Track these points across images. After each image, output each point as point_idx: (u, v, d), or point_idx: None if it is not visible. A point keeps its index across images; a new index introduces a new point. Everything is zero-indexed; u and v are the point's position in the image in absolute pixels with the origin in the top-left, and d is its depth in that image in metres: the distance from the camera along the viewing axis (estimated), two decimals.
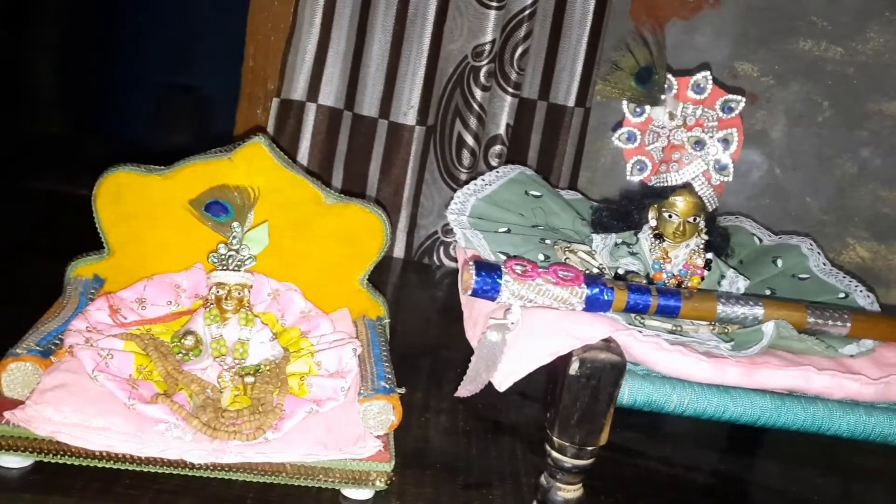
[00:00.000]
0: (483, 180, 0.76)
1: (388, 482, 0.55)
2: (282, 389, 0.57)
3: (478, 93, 1.06)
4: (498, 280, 0.53)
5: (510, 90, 1.06)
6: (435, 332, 0.96)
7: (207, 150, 0.69)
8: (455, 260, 1.14)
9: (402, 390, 0.59)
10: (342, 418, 0.57)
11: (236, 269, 0.61)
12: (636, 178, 0.67)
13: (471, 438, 0.69)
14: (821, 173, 1.17)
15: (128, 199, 0.67)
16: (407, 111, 1.06)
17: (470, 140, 1.08)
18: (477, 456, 0.66)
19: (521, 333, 0.52)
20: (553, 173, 1.10)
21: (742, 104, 0.65)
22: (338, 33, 1.04)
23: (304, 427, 0.55)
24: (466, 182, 1.08)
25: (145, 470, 0.52)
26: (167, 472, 0.53)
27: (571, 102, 1.08)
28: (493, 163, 1.10)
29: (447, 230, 1.12)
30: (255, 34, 1.20)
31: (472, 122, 1.07)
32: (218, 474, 0.53)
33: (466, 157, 1.08)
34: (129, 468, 0.52)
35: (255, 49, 1.19)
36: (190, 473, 0.53)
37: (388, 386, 0.59)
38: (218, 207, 0.63)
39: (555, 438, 0.53)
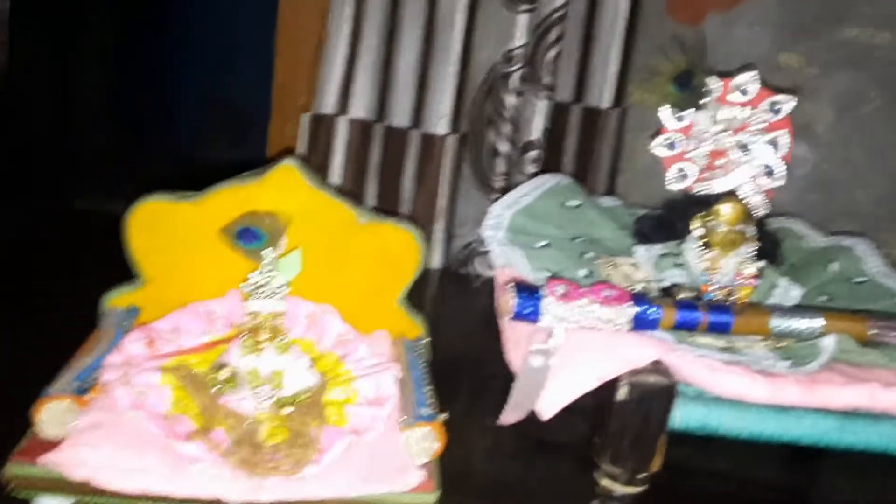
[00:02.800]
0: (519, 192, 0.74)
1: None
2: (319, 421, 0.56)
3: (510, 99, 1.04)
4: (539, 303, 0.51)
5: (543, 94, 1.04)
6: (475, 344, 0.94)
7: (244, 166, 0.68)
8: (493, 268, 1.12)
9: (445, 416, 0.57)
10: (383, 448, 0.55)
11: (270, 297, 0.59)
12: (678, 187, 0.64)
13: (515, 459, 0.67)
14: (871, 166, 1.12)
15: (160, 227, 0.66)
16: (439, 121, 1.04)
17: (504, 147, 1.05)
18: (523, 478, 0.64)
19: (565, 358, 0.50)
20: (590, 177, 1.08)
21: (791, 105, 0.62)
22: (367, 45, 1.03)
23: (344, 459, 0.53)
24: (502, 190, 1.06)
25: None
26: None
27: (607, 104, 1.05)
28: (529, 169, 1.07)
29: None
30: (283, 49, 1.19)
31: (506, 128, 1.05)
32: None
33: (501, 165, 1.06)
34: None
35: (283, 64, 1.18)
36: None
37: (429, 413, 0.57)
38: (249, 234, 0.62)
39: (604, 466, 0.51)
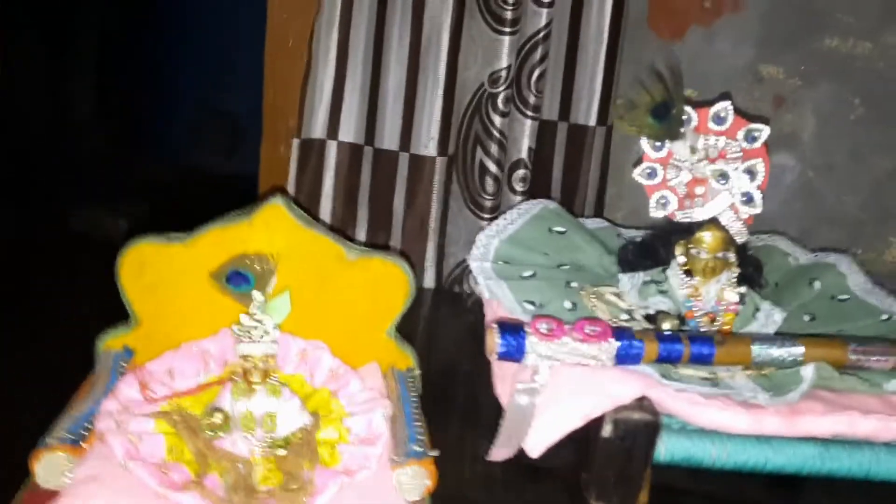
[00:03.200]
0: (505, 219, 0.75)
1: None
2: (312, 461, 0.57)
3: (497, 119, 1.04)
4: (523, 341, 0.52)
5: (529, 113, 1.05)
6: (469, 363, 0.95)
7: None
8: None
9: (436, 453, 0.58)
10: (375, 488, 0.56)
11: (260, 339, 0.60)
12: (660, 214, 0.65)
13: (508, 487, 0.67)
14: (856, 172, 1.13)
15: (151, 269, 0.67)
16: (427, 142, 1.05)
17: (492, 167, 1.06)
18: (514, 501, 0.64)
19: (550, 395, 0.51)
20: (579, 192, 1.09)
21: (765, 133, 0.63)
22: (353, 69, 1.04)
23: (337, 501, 0.54)
24: (491, 210, 1.07)
25: None
26: None
27: (593, 122, 1.06)
28: (518, 187, 1.08)
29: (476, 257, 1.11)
30: (272, 70, 1.20)
31: (494, 148, 1.06)
32: None
33: (490, 184, 1.07)
34: None
35: (273, 86, 1.19)
36: None
37: (420, 450, 0.58)
38: (238, 278, 0.62)
39: (592, 502, 0.52)
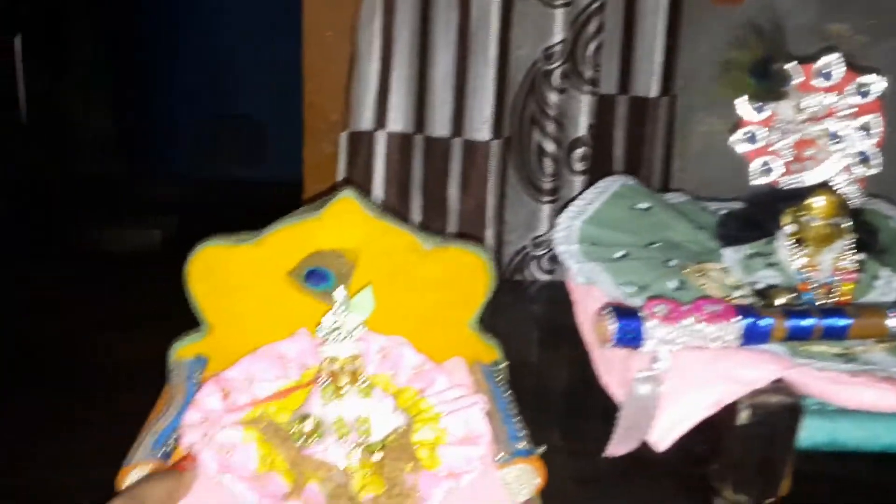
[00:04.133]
0: (583, 200, 0.71)
1: None
2: (414, 465, 0.53)
3: (553, 96, 1.00)
4: (640, 326, 0.47)
5: (587, 88, 1.00)
6: (540, 355, 0.91)
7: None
8: (549, 272, 1.08)
9: (543, 449, 0.54)
10: (483, 491, 0.52)
11: (345, 339, 0.57)
12: (762, 182, 0.60)
13: (614, 485, 0.63)
14: None
15: (220, 273, 0.64)
16: (481, 126, 1.01)
17: (550, 147, 1.02)
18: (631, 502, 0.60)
19: (676, 383, 0.47)
20: (643, 168, 1.04)
21: (882, 85, 0.57)
22: (400, 57, 1.00)
23: None
24: (551, 192, 1.03)
25: None
26: None
27: (655, 93, 1.01)
28: (578, 167, 1.04)
29: (537, 243, 1.07)
30: (310, 68, 1.16)
31: (551, 127, 1.01)
32: None
33: (549, 165, 1.03)
34: None
35: (312, 83, 1.15)
36: None
37: (525, 447, 0.54)
38: (317, 276, 0.59)
39: (727, 494, 0.48)
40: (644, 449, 0.67)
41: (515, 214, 1.07)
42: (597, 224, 0.67)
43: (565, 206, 1.04)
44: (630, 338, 0.47)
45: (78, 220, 1.10)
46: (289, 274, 0.60)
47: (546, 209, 1.05)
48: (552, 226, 1.04)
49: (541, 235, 1.06)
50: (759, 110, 0.60)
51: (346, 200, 0.64)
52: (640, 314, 0.48)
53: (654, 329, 0.47)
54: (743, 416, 0.44)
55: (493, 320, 0.97)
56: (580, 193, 0.97)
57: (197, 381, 0.62)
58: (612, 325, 0.47)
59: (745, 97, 0.59)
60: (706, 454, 0.65)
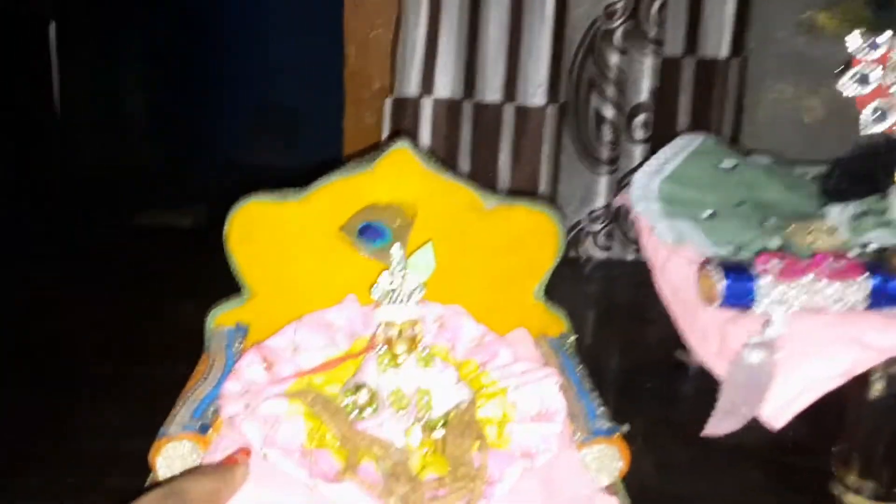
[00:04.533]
0: (659, 158, 0.64)
1: None
2: (481, 444, 0.46)
3: (614, 58, 0.93)
4: (752, 284, 0.40)
5: (651, 50, 0.93)
6: (601, 335, 0.85)
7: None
8: (605, 249, 1.01)
9: (626, 428, 0.48)
10: (561, 472, 0.46)
11: (404, 302, 0.51)
12: (874, 130, 0.53)
13: (696, 470, 0.57)
14: None
15: (263, 232, 0.58)
16: (535, 91, 0.94)
17: (610, 112, 0.95)
18: (715, 493, 0.54)
19: (794, 350, 0.40)
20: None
21: None
22: (448, 19, 0.94)
23: (518, 491, 0.44)
24: (609, 162, 0.96)
25: None
26: None
27: (725, 53, 0.94)
28: (638, 135, 0.97)
29: (593, 217, 1.00)
30: (352, 34, 1.10)
31: (611, 91, 0.94)
32: None
33: (607, 132, 0.96)
34: None
35: (354, 50, 1.10)
36: None
37: (607, 426, 0.48)
38: (372, 231, 0.53)
39: (850, 481, 0.41)
40: (726, 436, 0.61)
41: (570, 186, 1.00)
42: (678, 183, 0.60)
43: (624, 177, 0.97)
44: (740, 297, 0.41)
45: (113, 208, 1.07)
46: (340, 230, 0.54)
47: (603, 181, 0.98)
48: (609, 199, 0.97)
49: (597, 209, 0.99)
50: (874, 47, 0.53)
51: (401, 152, 0.58)
52: (753, 270, 0.41)
53: (767, 287, 0.41)
54: (876, 389, 0.38)
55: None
56: (640, 164, 0.90)
57: (237, 350, 0.56)
58: (720, 283, 0.40)
59: (858, 31, 0.52)
60: (803, 441, 0.59)
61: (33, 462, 0.54)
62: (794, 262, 0.42)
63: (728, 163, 0.63)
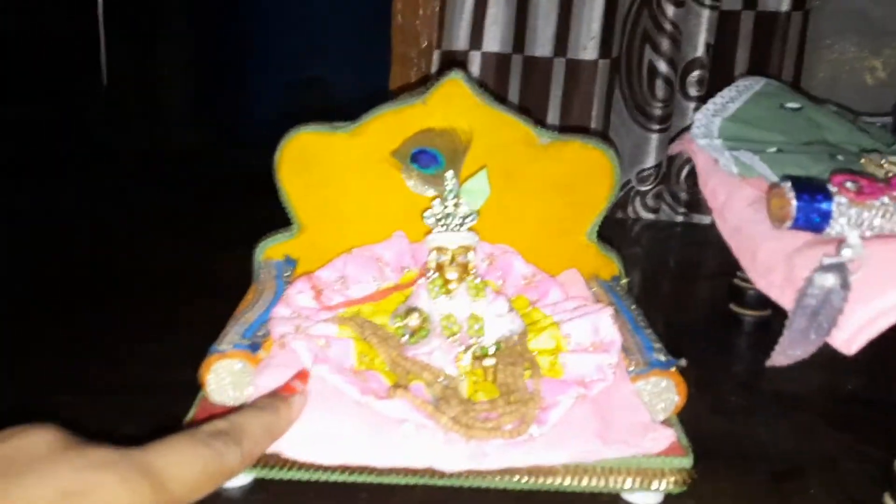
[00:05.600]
0: (722, 97, 0.62)
1: (687, 482, 0.43)
2: (533, 371, 0.45)
3: (670, 10, 0.90)
4: (828, 204, 0.38)
5: (708, 2, 0.90)
6: (648, 294, 0.83)
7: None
8: (653, 211, 0.99)
9: (683, 362, 0.46)
10: (616, 403, 0.44)
11: (457, 228, 0.50)
12: None
13: (753, 416, 0.55)
14: None
15: (314, 164, 0.58)
16: (587, 44, 0.92)
17: (664, 67, 0.92)
18: (769, 439, 0.52)
19: (868, 273, 0.38)
20: None
21: None
22: None
23: (572, 417, 0.43)
24: (661, 119, 0.94)
25: (385, 481, 0.42)
26: (411, 482, 0.42)
27: (786, 6, 0.90)
28: (693, 91, 0.94)
29: (643, 177, 0.98)
30: None
31: (665, 45, 0.92)
32: (472, 482, 0.42)
33: (661, 89, 0.93)
34: (366, 480, 0.42)
35: (402, 5, 1.08)
36: (438, 483, 0.42)
37: (663, 358, 0.46)
38: (426, 157, 0.52)
39: None
40: (775, 382, 0.59)
41: (620, 144, 0.98)
42: (740, 122, 0.58)
43: (676, 136, 0.95)
44: (813, 218, 0.39)
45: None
46: (392, 154, 0.53)
47: (654, 139, 0.96)
48: (660, 159, 0.95)
49: (647, 169, 0.97)
50: None
51: (455, 83, 0.56)
52: (825, 190, 0.39)
53: (843, 207, 0.39)
54: None
55: None
56: (689, 126, 0.88)
57: (286, 280, 0.56)
58: (794, 202, 0.38)
59: None
60: (860, 390, 0.57)
61: (80, 384, 0.54)
62: (871, 182, 0.40)
63: (794, 104, 0.61)
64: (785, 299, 0.43)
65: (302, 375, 0.43)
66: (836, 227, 0.39)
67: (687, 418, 0.47)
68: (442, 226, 0.49)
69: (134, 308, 0.68)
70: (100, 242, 0.85)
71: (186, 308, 0.67)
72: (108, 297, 0.70)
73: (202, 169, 1.18)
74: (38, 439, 0.29)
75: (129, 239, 0.86)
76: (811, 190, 0.39)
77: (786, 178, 0.40)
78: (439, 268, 0.49)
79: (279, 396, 0.41)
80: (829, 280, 0.38)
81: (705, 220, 1.00)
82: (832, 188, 0.39)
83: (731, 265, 0.73)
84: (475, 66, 0.96)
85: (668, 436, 0.43)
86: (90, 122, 1.34)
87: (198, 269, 0.77)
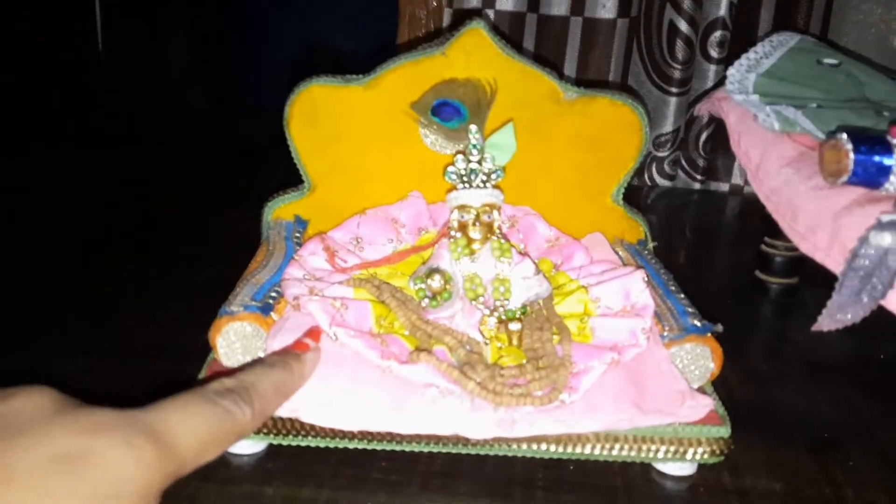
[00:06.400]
0: (756, 52, 0.59)
1: (724, 452, 0.40)
2: (563, 335, 0.43)
3: None
4: (889, 157, 0.36)
5: None
6: (672, 259, 0.80)
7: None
8: (670, 178, 0.96)
9: (720, 328, 0.44)
10: (651, 369, 0.42)
11: (481, 185, 0.47)
12: None
13: (786, 385, 0.53)
14: None
15: (326, 118, 0.55)
16: (605, 2, 0.88)
17: (684, 27, 0.89)
18: (806, 408, 0.50)
19: None
20: None
21: None
22: None
23: (605, 383, 0.41)
24: (681, 83, 0.90)
25: (407, 449, 0.40)
26: (434, 450, 0.40)
27: None
28: (714, 53, 0.91)
29: (660, 142, 0.95)
30: None
31: (686, 4, 0.88)
32: (499, 450, 0.40)
33: (681, 50, 0.90)
34: (388, 448, 0.40)
35: None
36: (462, 451, 0.40)
37: (699, 324, 0.44)
38: (449, 110, 0.49)
39: None
40: (812, 352, 0.57)
41: None
42: (776, 78, 0.55)
43: (696, 100, 0.92)
44: (872, 172, 0.36)
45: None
46: (411, 106, 0.50)
47: (673, 102, 0.93)
48: (679, 124, 0.92)
49: (665, 134, 0.94)
50: None
51: (476, 33, 0.53)
52: (886, 143, 0.36)
53: None
54: None
55: None
56: (714, 86, 0.85)
57: (297, 241, 0.53)
58: (852, 154, 0.36)
59: None
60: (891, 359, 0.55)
61: (81, 346, 0.52)
62: None
63: (832, 60, 0.58)
64: (830, 261, 0.40)
65: (314, 333, 0.41)
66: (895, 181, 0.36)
67: (717, 387, 0.45)
68: (465, 182, 0.47)
69: (139, 272, 0.65)
70: (104, 208, 0.82)
71: (193, 271, 0.64)
72: (113, 261, 0.68)
73: (206, 134, 1.16)
74: (31, 402, 0.26)
75: (134, 203, 0.83)
76: (870, 142, 0.36)
77: (841, 129, 0.37)
78: (462, 227, 0.47)
79: (291, 353, 0.38)
80: (887, 239, 0.36)
81: (723, 187, 0.98)
82: (893, 140, 0.36)
83: (751, 232, 0.71)
84: None
85: (707, 404, 0.40)
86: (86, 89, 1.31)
87: (203, 230, 0.74)
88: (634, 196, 0.95)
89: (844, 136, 0.36)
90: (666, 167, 0.96)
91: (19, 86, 1.18)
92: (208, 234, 0.74)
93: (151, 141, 1.09)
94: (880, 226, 0.36)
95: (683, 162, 0.96)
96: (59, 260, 0.68)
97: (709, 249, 0.83)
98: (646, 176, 0.97)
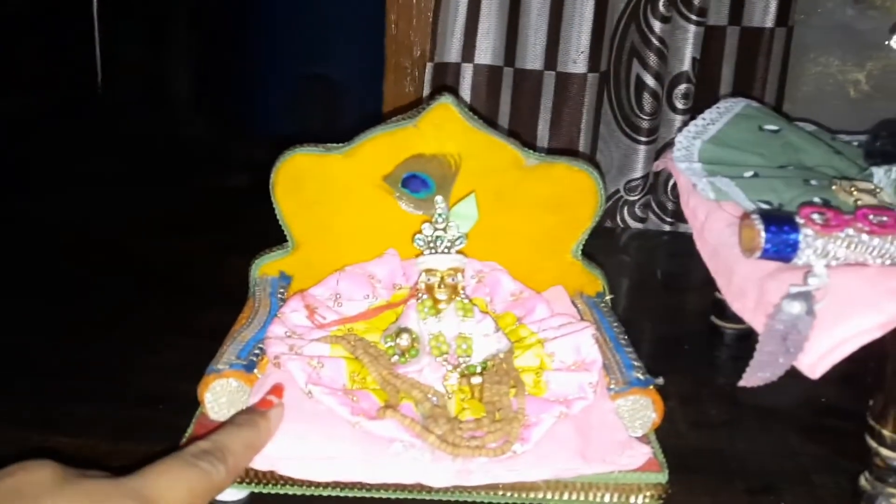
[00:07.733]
0: (703, 119, 0.64)
1: (663, 497, 0.45)
2: (518, 389, 0.48)
3: (657, 25, 0.92)
4: (796, 235, 0.41)
5: (694, 18, 0.92)
6: (633, 304, 0.85)
7: (360, 132, 0.59)
8: (640, 220, 1.01)
9: (661, 381, 0.48)
10: (596, 420, 0.47)
11: (446, 251, 0.52)
12: None
13: (731, 430, 0.57)
14: None
15: (308, 184, 0.59)
16: (577, 58, 0.94)
17: (651, 81, 0.94)
18: (747, 452, 0.54)
19: (836, 301, 0.40)
20: None
21: None
22: None
23: (554, 435, 0.45)
24: (648, 132, 0.96)
25: (375, 496, 0.44)
26: (401, 497, 0.44)
27: (770, 23, 0.92)
28: (679, 105, 0.96)
29: (630, 187, 1.00)
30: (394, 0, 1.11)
31: (652, 59, 0.94)
32: (458, 497, 0.44)
33: (648, 102, 0.95)
34: (357, 495, 0.44)
35: (396, 15, 1.10)
36: (426, 497, 0.44)
37: (642, 377, 0.48)
38: (416, 182, 0.54)
39: (886, 433, 0.41)
40: (754, 396, 0.61)
41: (609, 155, 1.00)
42: (720, 145, 0.60)
43: (663, 148, 0.97)
44: (782, 248, 0.41)
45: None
46: (384, 179, 0.55)
47: (642, 150, 0.98)
48: (647, 170, 0.97)
49: (635, 180, 0.99)
50: None
51: (445, 107, 0.58)
52: (794, 221, 0.41)
53: (810, 238, 0.41)
54: None
55: None
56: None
57: (280, 297, 0.58)
58: (763, 233, 0.41)
59: None
60: (836, 403, 0.59)
61: (83, 395, 0.56)
62: (837, 214, 0.42)
63: (773, 125, 0.63)
64: (757, 323, 0.45)
65: (277, 390, 0.46)
66: (804, 257, 0.41)
67: (668, 432, 0.49)
68: (432, 248, 0.51)
69: (129, 319, 0.69)
70: (99, 244, 0.86)
71: (190, 316, 0.69)
72: (100, 308, 0.72)
73: (205, 163, 1.20)
74: (37, 475, 0.31)
75: (128, 240, 0.87)
76: (779, 222, 0.41)
77: (756, 210, 0.42)
78: (429, 289, 0.51)
79: (257, 411, 0.43)
80: (796, 307, 0.40)
81: (691, 229, 1.03)
82: (800, 220, 0.41)
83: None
84: (467, 79, 0.98)
85: (645, 452, 0.45)
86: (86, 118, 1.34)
87: (201, 272, 0.78)
88: (607, 238, 1.00)
89: (757, 216, 0.41)
90: (637, 210, 1.01)
91: (19, 120, 1.22)
92: (206, 274, 0.78)
93: (152, 177, 1.13)
94: (791, 296, 0.41)
95: (654, 205, 1.01)
96: (50, 299, 0.72)
97: (674, 291, 0.87)
98: (618, 218, 1.01)
